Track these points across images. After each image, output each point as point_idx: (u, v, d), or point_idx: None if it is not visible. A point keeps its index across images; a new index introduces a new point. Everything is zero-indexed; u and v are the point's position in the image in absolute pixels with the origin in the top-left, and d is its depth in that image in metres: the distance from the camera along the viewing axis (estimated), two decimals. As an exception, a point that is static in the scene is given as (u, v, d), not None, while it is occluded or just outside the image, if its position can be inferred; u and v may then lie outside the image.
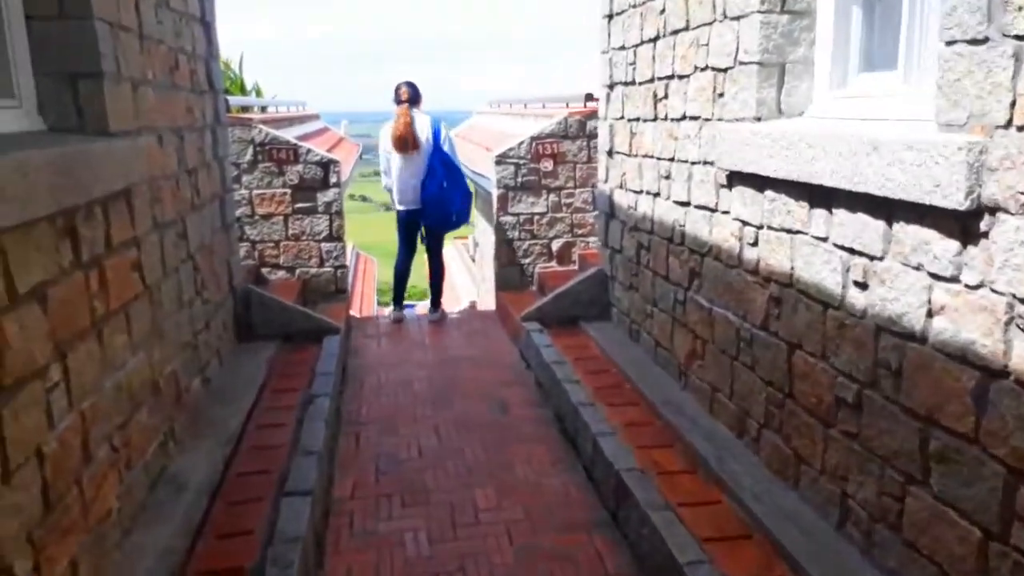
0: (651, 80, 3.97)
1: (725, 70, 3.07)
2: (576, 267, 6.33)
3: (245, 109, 8.35)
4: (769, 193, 2.71)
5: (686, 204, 3.55)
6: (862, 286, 2.21)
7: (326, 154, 5.86)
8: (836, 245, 2.33)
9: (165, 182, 3.21)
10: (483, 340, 5.59)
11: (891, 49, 2.51)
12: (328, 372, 4.08)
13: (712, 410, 3.36)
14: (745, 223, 2.93)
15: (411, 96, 6.05)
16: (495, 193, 6.22)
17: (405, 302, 6.58)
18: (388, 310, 8.97)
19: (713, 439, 3.14)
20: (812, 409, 2.52)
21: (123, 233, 2.59)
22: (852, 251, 2.25)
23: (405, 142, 5.91)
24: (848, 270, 2.28)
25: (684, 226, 3.59)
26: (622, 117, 4.52)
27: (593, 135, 6.17)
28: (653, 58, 3.92)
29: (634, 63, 4.24)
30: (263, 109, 9.31)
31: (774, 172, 2.58)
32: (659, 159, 3.90)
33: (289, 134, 7.33)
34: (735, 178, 3.00)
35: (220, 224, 4.30)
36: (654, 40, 3.88)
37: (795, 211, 2.55)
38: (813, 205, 2.44)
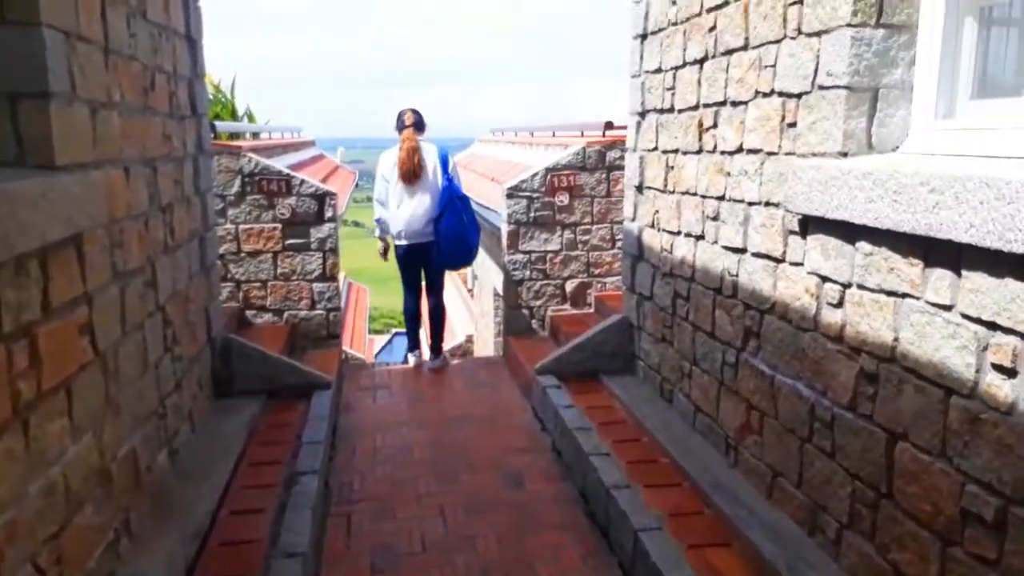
0: (695, 107, 3.55)
1: (798, 96, 2.64)
2: (592, 310, 5.87)
3: (235, 136, 7.95)
4: (863, 245, 2.26)
5: (740, 251, 3.10)
6: (1009, 372, 1.75)
7: (321, 186, 5.42)
8: (966, 316, 1.87)
9: (131, 222, 2.76)
10: (491, 394, 5.10)
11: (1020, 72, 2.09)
12: (316, 440, 3.59)
13: (772, 496, 2.88)
14: (826, 279, 2.48)
15: (416, 122, 5.69)
16: (504, 229, 5.78)
17: (396, 330, 6.12)
18: (374, 355, 8.48)
19: (778, 536, 2.66)
20: (923, 519, 2.04)
21: (68, 290, 2.12)
22: (993, 326, 1.79)
23: (412, 171, 5.52)
24: (985, 349, 1.81)
25: (737, 276, 3.13)
26: (655, 148, 4.09)
27: (614, 167, 5.75)
28: (699, 82, 3.50)
29: (673, 88, 3.82)
30: (256, 135, 8.91)
31: (874, 220, 2.13)
32: (704, 197, 3.46)
33: (282, 163, 6.92)
34: (812, 224, 2.55)
35: (199, 267, 3.84)
36: (700, 62, 3.46)
37: (902, 270, 2.09)
38: (930, 264, 1.99)
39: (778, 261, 2.80)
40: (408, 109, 5.78)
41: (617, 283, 5.88)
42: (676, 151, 3.80)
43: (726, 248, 3.24)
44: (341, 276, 18.20)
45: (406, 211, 5.61)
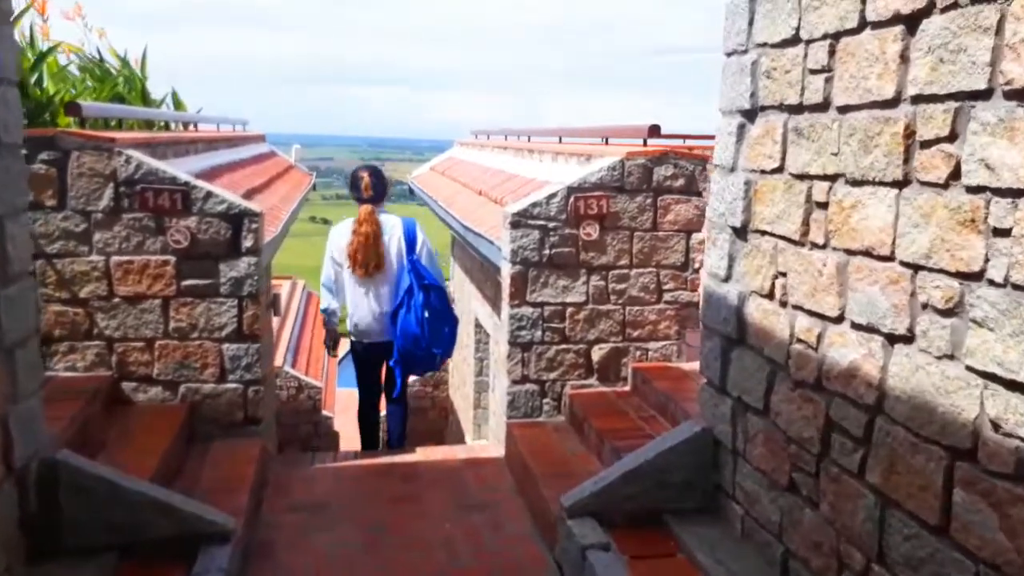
0: (891, 103, 2.01)
1: None
2: (627, 387, 4.31)
3: (150, 125, 6.26)
4: None
5: (1047, 394, 1.56)
6: None
7: (237, 201, 3.77)
8: None
9: None
10: (488, 527, 3.48)
11: None
12: None
13: None
14: None
15: (376, 191, 4.70)
16: (507, 270, 4.19)
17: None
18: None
19: None
20: None
21: None
22: None
23: (373, 262, 4.55)
24: None
25: (1035, 443, 1.58)
26: (780, 169, 2.55)
27: (663, 189, 4.21)
28: (902, 57, 1.96)
29: (830, 70, 2.28)
30: (185, 127, 7.23)
31: None
32: (918, 268, 1.92)
33: (205, 162, 5.27)
34: None
35: (-12, 349, 2.20)
36: (909, 19, 1.93)
37: None
38: None
39: None
40: (364, 169, 4.80)
41: (663, 350, 4.33)
42: (836, 178, 2.26)
43: (986, 376, 1.70)
44: (299, 285, 16.34)
45: (364, 308, 4.67)
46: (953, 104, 1.82)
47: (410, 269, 4.57)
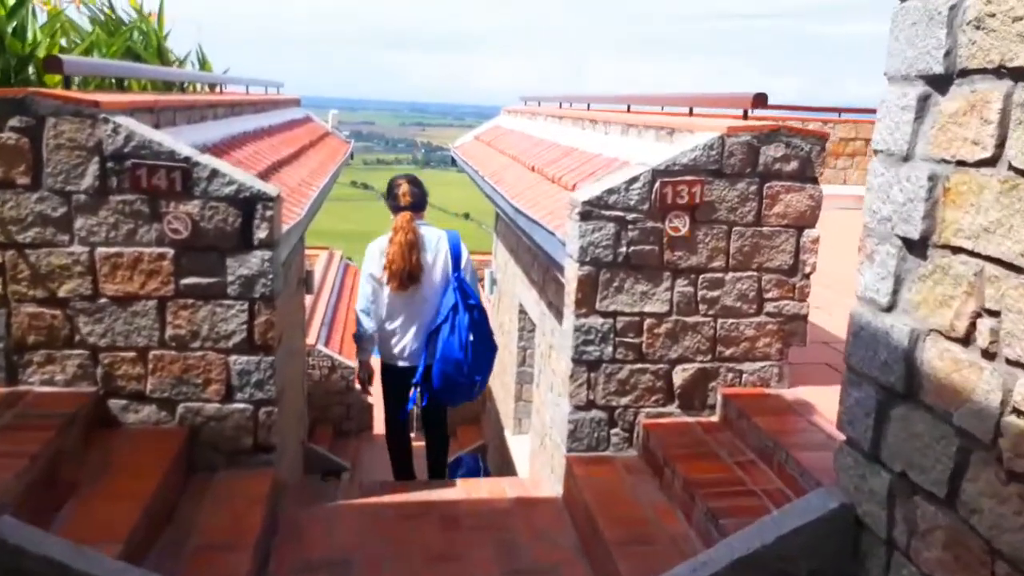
0: None
1: None
2: (716, 418, 3.60)
3: (169, 88, 5.67)
4: None
5: None
6: None
7: (250, 182, 3.11)
8: None
9: None
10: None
11: None
12: None
13: None
14: None
15: (415, 201, 4.33)
16: (573, 271, 3.49)
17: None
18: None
19: None
20: None
21: None
22: None
23: (409, 274, 4.14)
24: None
25: None
26: (994, 160, 1.81)
27: (771, 174, 3.45)
28: None
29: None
30: (211, 89, 6.65)
31: None
32: None
33: (225, 129, 4.67)
34: None
35: None
36: None
37: None
38: None
39: None
40: (403, 179, 4.41)
41: (761, 373, 3.60)
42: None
43: None
44: (336, 256, 15.66)
45: (401, 327, 4.25)
46: None
47: (456, 287, 4.15)
